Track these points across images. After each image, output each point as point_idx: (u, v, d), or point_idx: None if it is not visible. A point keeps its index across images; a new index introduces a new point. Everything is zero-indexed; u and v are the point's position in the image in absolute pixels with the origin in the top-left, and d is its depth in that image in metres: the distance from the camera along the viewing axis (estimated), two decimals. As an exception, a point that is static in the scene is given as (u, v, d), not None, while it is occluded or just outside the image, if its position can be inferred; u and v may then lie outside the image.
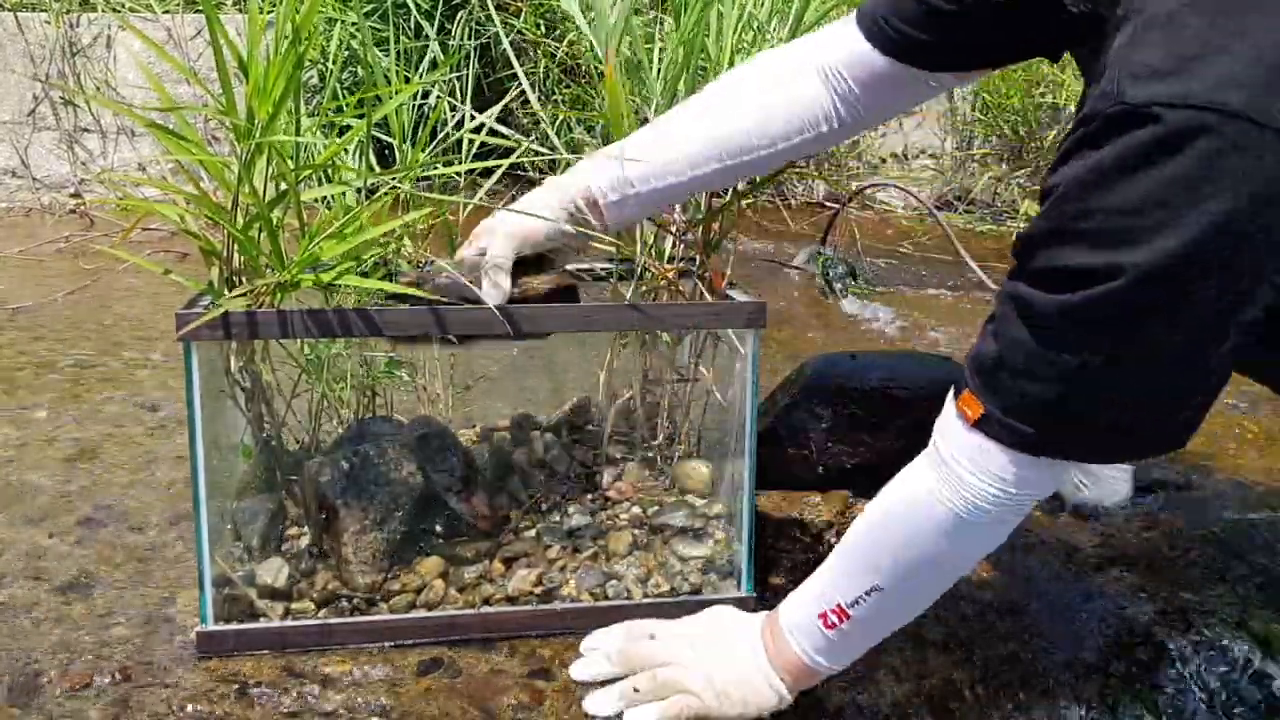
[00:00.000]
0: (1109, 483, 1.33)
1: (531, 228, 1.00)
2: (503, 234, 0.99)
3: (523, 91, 1.30)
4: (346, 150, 1.07)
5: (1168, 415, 0.76)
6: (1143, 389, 0.74)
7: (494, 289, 0.98)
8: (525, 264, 1.03)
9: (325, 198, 1.08)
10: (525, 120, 3.05)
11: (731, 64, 1.27)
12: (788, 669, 0.94)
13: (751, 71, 1.05)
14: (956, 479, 0.82)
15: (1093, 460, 0.81)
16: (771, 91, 1.03)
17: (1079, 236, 0.72)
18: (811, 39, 1.07)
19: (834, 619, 0.90)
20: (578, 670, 0.99)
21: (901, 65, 1.00)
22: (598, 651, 1.00)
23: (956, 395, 0.82)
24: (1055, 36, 0.93)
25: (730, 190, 1.18)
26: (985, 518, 0.82)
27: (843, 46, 1.02)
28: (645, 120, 1.17)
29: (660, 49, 1.24)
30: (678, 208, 1.18)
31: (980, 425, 0.80)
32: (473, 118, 1.18)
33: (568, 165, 1.09)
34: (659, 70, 1.20)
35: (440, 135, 1.15)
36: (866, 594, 0.88)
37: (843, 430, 1.35)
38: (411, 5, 2.80)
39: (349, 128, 1.09)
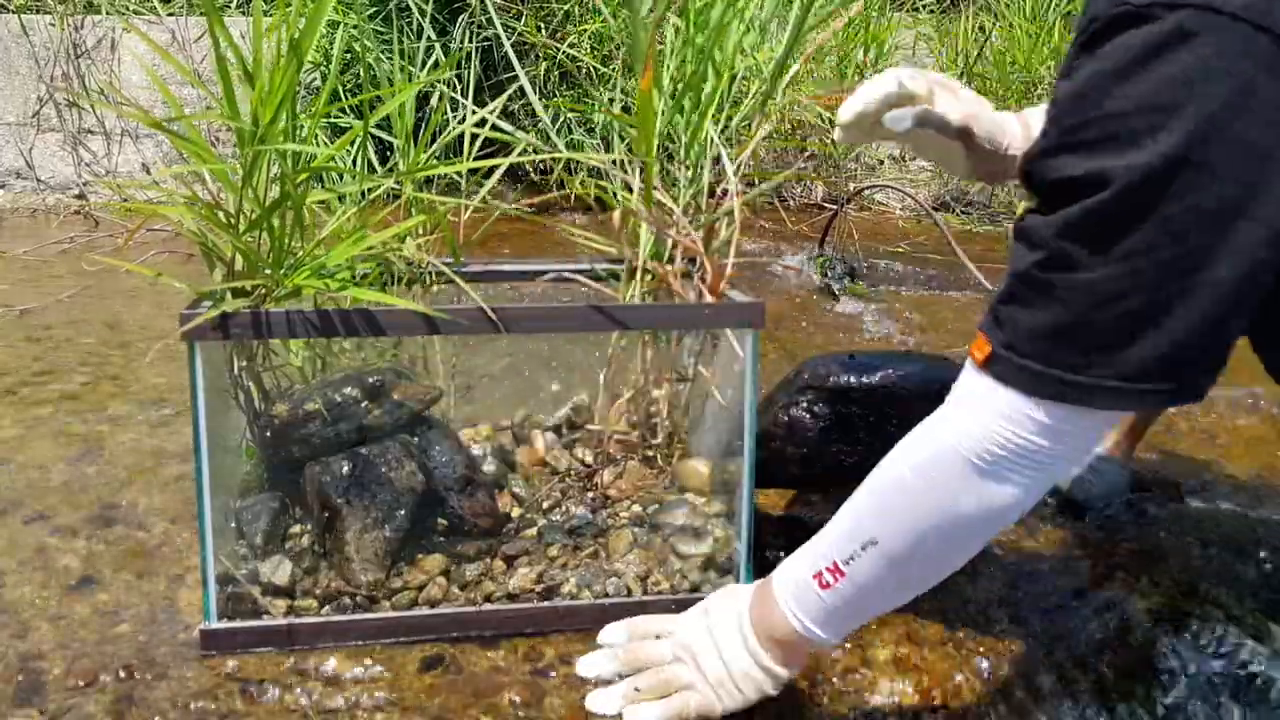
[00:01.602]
0: (1107, 478, 1.33)
1: (986, 115, 1.04)
2: (969, 98, 1.04)
3: (522, 90, 1.31)
4: (348, 149, 1.08)
5: (1175, 345, 0.69)
6: (1144, 308, 0.69)
7: (902, 120, 1.00)
8: None
9: (327, 201, 1.08)
10: (525, 122, 3.06)
11: (733, 67, 1.28)
12: (776, 640, 0.91)
13: None
14: (968, 419, 0.79)
15: (1097, 405, 0.74)
16: None
17: (1075, 147, 0.70)
18: None
19: (829, 578, 0.86)
20: (583, 666, 0.99)
21: None
22: (606, 650, 1.00)
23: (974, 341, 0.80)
24: None
25: (731, 192, 1.18)
26: (998, 467, 0.78)
27: None
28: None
29: (671, 52, 1.25)
30: (678, 210, 1.19)
31: (987, 366, 0.77)
32: (474, 114, 1.19)
33: (568, 165, 1.09)
34: (669, 77, 1.21)
35: (442, 136, 1.16)
36: (862, 549, 0.84)
37: (841, 430, 1.36)
38: (414, 7, 2.80)
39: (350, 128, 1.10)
